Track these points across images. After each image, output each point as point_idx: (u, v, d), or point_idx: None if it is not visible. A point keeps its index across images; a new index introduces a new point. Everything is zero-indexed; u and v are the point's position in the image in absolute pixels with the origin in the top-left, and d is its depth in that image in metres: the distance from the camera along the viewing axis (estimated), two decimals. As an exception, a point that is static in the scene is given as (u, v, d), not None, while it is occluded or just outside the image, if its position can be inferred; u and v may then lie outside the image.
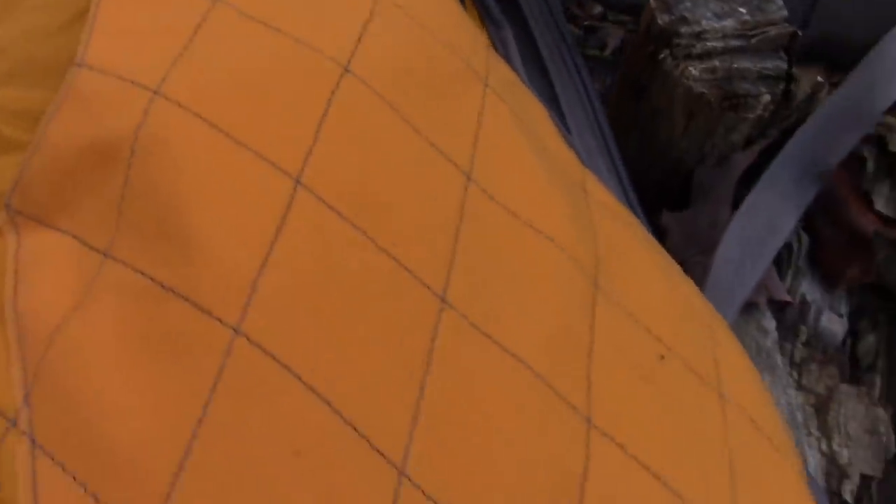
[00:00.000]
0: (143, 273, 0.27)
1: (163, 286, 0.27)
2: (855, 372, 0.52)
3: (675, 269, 0.38)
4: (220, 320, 0.26)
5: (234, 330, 0.26)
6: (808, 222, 0.51)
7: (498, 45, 0.46)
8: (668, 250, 0.52)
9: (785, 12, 0.50)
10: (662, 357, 0.32)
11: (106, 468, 0.24)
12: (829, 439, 0.47)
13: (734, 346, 0.36)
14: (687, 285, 0.37)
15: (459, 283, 0.30)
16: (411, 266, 0.29)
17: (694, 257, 0.51)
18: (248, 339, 0.26)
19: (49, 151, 0.30)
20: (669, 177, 0.54)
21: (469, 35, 0.39)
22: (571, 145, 0.42)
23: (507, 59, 0.46)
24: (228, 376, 0.25)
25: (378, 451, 0.26)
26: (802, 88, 0.52)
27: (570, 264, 0.32)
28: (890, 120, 0.52)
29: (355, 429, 0.26)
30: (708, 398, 0.33)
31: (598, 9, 1.09)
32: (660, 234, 0.54)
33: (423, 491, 0.25)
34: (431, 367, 0.28)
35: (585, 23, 1.11)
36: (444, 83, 0.35)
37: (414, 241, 0.30)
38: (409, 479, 0.25)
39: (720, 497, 0.30)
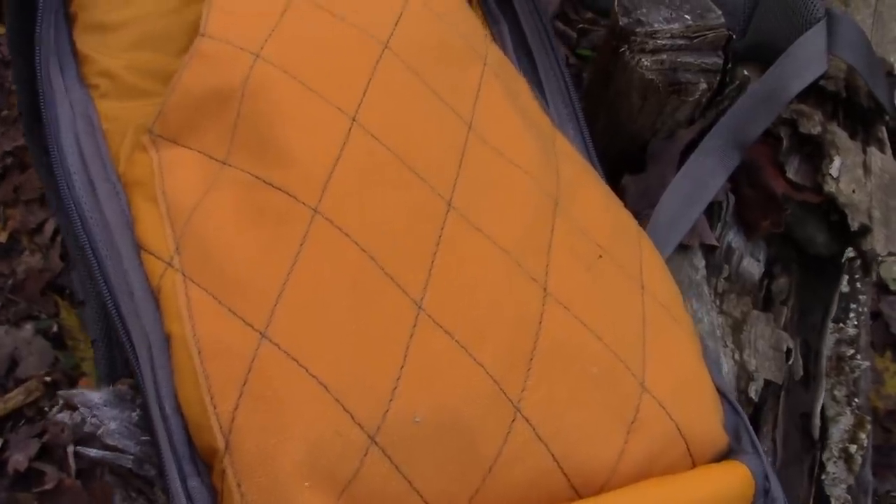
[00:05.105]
0: (250, 173, 0.41)
1: (264, 181, 0.40)
2: (768, 305, 0.66)
3: (616, 201, 0.52)
4: (303, 203, 0.40)
5: (314, 210, 0.40)
6: (734, 186, 0.65)
7: (496, 36, 0.60)
8: (627, 205, 0.66)
9: (723, 20, 0.63)
10: (601, 256, 0.46)
11: (230, 287, 0.38)
12: (741, 351, 0.61)
13: (655, 256, 0.50)
14: (624, 213, 0.51)
15: (461, 194, 0.44)
16: (429, 180, 0.43)
17: (645, 210, 0.64)
18: (322, 215, 0.39)
19: (182, 93, 0.43)
20: (630, 147, 0.67)
21: (473, 26, 0.53)
22: (547, 112, 0.55)
23: (503, 46, 0.59)
24: (310, 237, 0.39)
25: (405, 291, 0.39)
26: (734, 80, 0.65)
27: (536, 188, 0.46)
28: (801, 107, 0.65)
29: (392, 278, 0.39)
30: (631, 287, 0.46)
31: (590, 14, 1.23)
32: (621, 192, 0.67)
33: (431, 317, 0.39)
34: (441, 244, 0.41)
35: (580, 26, 1.25)
36: (454, 59, 0.49)
37: (431, 165, 0.44)
38: (424, 310, 0.39)
39: (633, 345, 0.44)
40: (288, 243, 0.39)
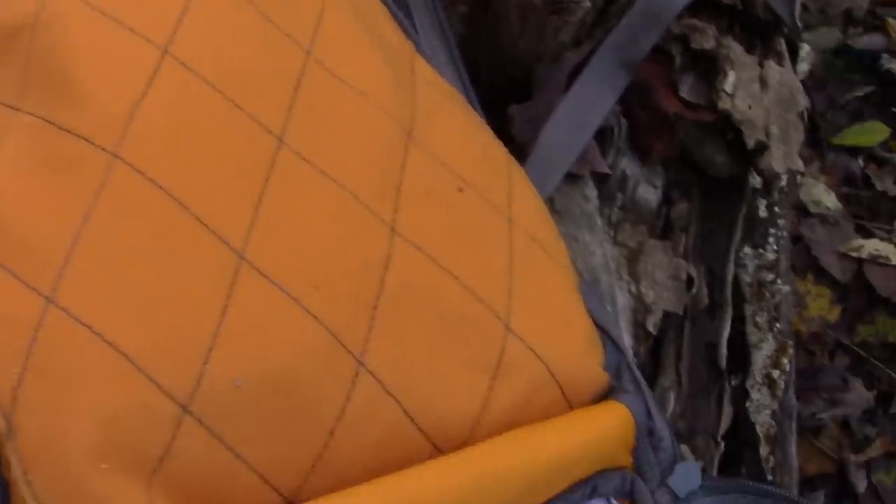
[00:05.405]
0: (43, 118, 0.36)
1: (57, 125, 0.35)
2: (668, 233, 0.63)
3: (483, 129, 0.48)
4: (100, 147, 0.35)
5: (112, 154, 0.35)
6: (626, 109, 0.61)
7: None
8: (514, 135, 0.62)
9: (605, -67, 0.59)
10: (461, 189, 0.42)
11: (13, 248, 0.33)
12: (637, 283, 0.58)
13: (527, 188, 0.46)
14: (492, 142, 0.47)
15: (295, 129, 0.39)
16: (256, 115, 0.38)
17: (533, 140, 0.60)
18: (122, 160, 0.35)
19: (-34, 33, 0.38)
20: (515, 74, 0.63)
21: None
22: (412, 39, 0.51)
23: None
24: (108, 185, 0.34)
25: (224, 240, 0.35)
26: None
27: (386, 119, 0.42)
28: (694, 22, 0.62)
29: (207, 226, 0.35)
30: (496, 220, 0.42)
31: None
32: (508, 122, 0.63)
33: (255, 267, 0.35)
34: (268, 185, 0.37)
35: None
36: (290, -18, 0.44)
37: (259, 98, 0.39)
38: (246, 260, 0.35)
39: (497, 285, 0.40)
40: (81, 194, 0.34)
